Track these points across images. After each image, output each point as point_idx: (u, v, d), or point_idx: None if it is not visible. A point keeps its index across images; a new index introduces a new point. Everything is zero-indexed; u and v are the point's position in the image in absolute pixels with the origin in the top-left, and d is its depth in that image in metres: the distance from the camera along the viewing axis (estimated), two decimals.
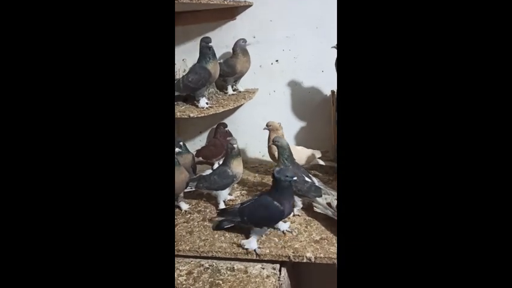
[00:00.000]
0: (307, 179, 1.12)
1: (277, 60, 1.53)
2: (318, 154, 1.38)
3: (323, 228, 1.04)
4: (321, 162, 1.37)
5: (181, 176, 1.12)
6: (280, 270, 0.95)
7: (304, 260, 0.94)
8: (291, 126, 1.57)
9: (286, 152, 1.14)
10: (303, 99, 1.55)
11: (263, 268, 0.96)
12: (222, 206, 1.20)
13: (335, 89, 1.46)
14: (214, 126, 1.53)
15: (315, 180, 1.17)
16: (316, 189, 1.11)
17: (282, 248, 0.97)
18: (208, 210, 1.22)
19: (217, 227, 1.08)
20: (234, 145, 1.15)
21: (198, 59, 1.24)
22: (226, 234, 1.06)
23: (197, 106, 1.24)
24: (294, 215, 1.12)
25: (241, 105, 1.46)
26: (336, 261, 0.91)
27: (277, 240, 1.02)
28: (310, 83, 1.53)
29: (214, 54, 1.23)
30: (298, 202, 1.14)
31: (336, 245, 0.95)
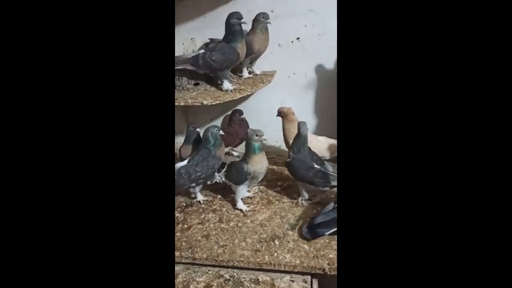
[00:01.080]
0: (316, 166, 1.01)
1: (298, 38, 1.35)
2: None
3: None
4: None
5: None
6: (311, 283, 0.83)
7: None
8: (312, 114, 1.41)
9: (301, 140, 1.06)
10: (327, 83, 1.38)
11: (292, 281, 0.84)
12: (239, 204, 1.07)
13: None
14: (228, 113, 1.37)
15: (331, 170, 1.04)
16: (324, 176, 0.99)
17: (314, 258, 0.85)
18: (225, 209, 1.09)
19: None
20: (255, 138, 0.99)
21: (225, 36, 1.08)
22: (248, 240, 0.93)
23: (220, 89, 1.11)
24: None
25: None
26: None
27: (307, 247, 0.89)
28: (335, 64, 1.35)
29: (243, 33, 1.08)
30: (304, 193, 1.06)
31: None
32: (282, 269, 0.84)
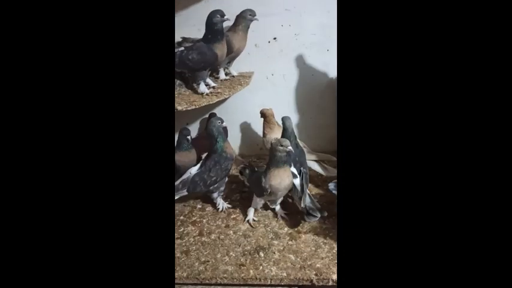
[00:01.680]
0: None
1: (275, 38, 1.31)
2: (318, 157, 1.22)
3: None
4: (317, 168, 1.19)
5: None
6: None
7: (330, 283, 0.78)
8: (292, 114, 1.38)
9: (287, 135, 1.04)
10: (305, 83, 1.35)
11: None
12: (250, 215, 0.99)
13: None
14: (205, 117, 1.31)
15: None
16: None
17: (301, 269, 0.81)
18: (205, 220, 1.03)
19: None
20: (281, 148, 0.86)
21: (205, 35, 1.01)
22: (231, 253, 0.88)
23: (196, 92, 1.04)
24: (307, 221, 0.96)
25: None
26: None
27: (293, 257, 0.85)
28: (314, 64, 1.33)
29: (223, 34, 1.01)
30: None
31: None
32: (269, 283, 0.80)
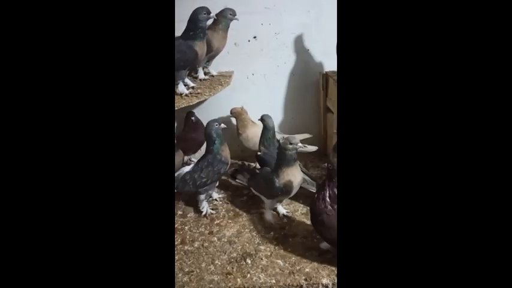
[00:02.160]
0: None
1: (255, 37, 1.28)
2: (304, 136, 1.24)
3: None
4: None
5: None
6: None
7: None
8: (273, 114, 1.35)
9: (270, 133, 1.06)
10: (286, 83, 1.34)
11: None
12: (268, 215, 0.96)
13: (324, 70, 1.27)
14: (184, 116, 1.25)
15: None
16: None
17: (290, 275, 0.79)
18: (187, 227, 0.98)
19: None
20: (290, 146, 0.85)
21: (185, 32, 0.95)
22: (217, 262, 0.84)
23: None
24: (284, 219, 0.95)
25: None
26: None
27: (281, 263, 0.82)
28: (294, 64, 1.31)
29: (205, 31, 0.97)
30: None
31: None
32: None
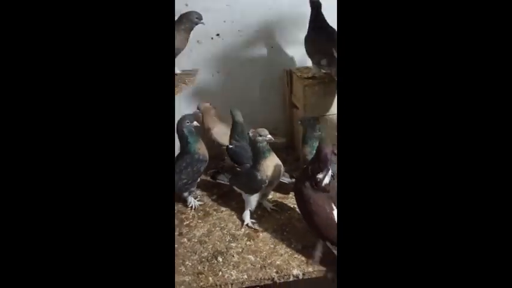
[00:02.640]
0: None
1: (218, 34, 1.27)
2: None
3: (302, 231, 0.90)
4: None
5: None
6: None
7: (291, 279, 0.78)
8: (241, 111, 1.36)
9: (239, 126, 1.06)
10: (252, 80, 1.34)
11: None
12: (247, 217, 0.94)
13: (288, 67, 1.30)
14: None
15: None
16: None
17: (261, 269, 0.79)
18: None
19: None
20: (260, 139, 0.86)
21: None
22: (187, 262, 0.83)
23: None
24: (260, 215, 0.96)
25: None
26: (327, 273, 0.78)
27: (253, 258, 0.83)
28: (259, 61, 1.32)
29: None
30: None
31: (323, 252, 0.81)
32: None
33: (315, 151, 0.98)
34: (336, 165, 0.87)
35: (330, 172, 0.79)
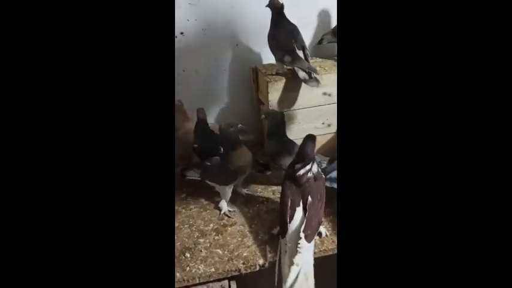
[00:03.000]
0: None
1: (182, 33, 1.27)
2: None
3: (269, 223, 0.93)
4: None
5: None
6: (229, 287, 0.80)
7: (257, 269, 0.81)
8: (208, 110, 1.37)
9: (201, 126, 1.08)
10: (219, 78, 1.35)
11: None
12: (224, 206, 0.96)
13: (254, 64, 1.32)
14: None
15: None
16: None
17: (229, 261, 0.81)
18: None
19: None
20: (231, 130, 0.89)
21: None
22: None
23: None
24: (231, 211, 0.98)
25: None
26: None
27: (220, 252, 0.85)
28: (224, 60, 1.34)
29: None
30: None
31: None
32: (197, 281, 0.78)
33: (279, 145, 1.02)
34: (320, 165, 0.92)
35: (308, 166, 0.81)
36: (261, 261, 0.81)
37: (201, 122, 1.11)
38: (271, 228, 0.90)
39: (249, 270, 0.80)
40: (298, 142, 1.14)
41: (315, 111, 1.15)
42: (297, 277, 0.73)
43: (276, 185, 1.08)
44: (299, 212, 0.80)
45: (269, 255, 0.82)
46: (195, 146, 1.11)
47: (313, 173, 0.82)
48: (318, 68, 1.16)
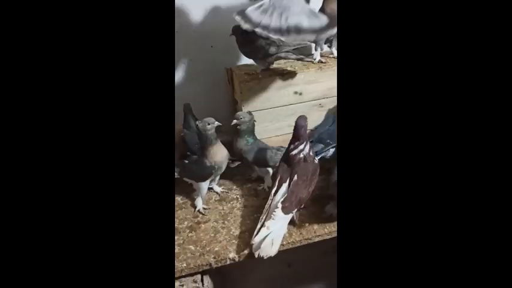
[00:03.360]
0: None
1: None
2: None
3: (241, 219, 0.96)
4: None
5: None
6: (202, 281, 0.83)
7: (228, 262, 0.84)
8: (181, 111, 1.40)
9: (188, 118, 1.14)
10: (195, 80, 1.38)
11: (182, 285, 0.81)
12: (199, 203, 1.00)
13: (229, 66, 1.35)
14: None
15: None
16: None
17: (200, 256, 0.84)
18: None
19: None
20: (209, 127, 0.93)
21: None
22: None
23: None
24: (206, 208, 1.01)
25: None
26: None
27: (193, 248, 0.88)
28: (199, 61, 1.36)
29: None
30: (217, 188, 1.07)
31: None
32: None
33: (249, 144, 1.06)
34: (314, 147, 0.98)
35: (301, 147, 0.87)
36: (231, 255, 0.84)
37: (186, 116, 1.18)
38: (243, 223, 0.94)
39: (219, 264, 0.83)
40: (273, 140, 1.18)
41: (287, 110, 1.19)
42: (264, 239, 0.80)
43: (250, 182, 1.12)
44: (284, 187, 0.86)
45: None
46: (182, 134, 1.17)
47: (303, 154, 0.88)
48: (288, 68, 1.20)
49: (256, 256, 0.80)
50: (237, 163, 1.12)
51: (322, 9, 1.12)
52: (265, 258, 0.79)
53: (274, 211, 0.81)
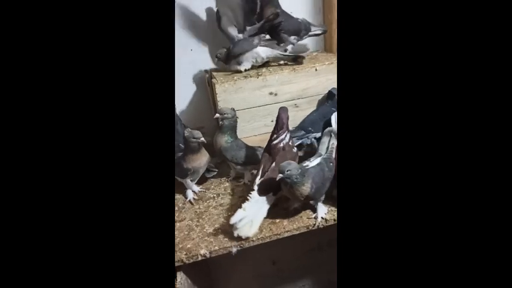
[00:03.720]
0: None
1: None
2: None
3: (216, 217, 0.99)
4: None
5: None
6: (175, 277, 0.86)
7: (199, 258, 0.87)
8: None
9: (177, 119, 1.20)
10: (176, 82, 1.40)
11: None
12: (188, 194, 1.09)
13: (208, 67, 1.38)
14: None
15: None
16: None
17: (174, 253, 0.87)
18: None
19: None
20: (193, 140, 1.02)
21: None
22: None
23: None
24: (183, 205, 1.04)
25: None
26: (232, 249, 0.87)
27: None
28: (180, 64, 1.39)
29: None
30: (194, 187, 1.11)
31: (229, 232, 0.91)
32: None
33: (229, 142, 1.09)
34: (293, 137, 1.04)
35: (282, 136, 0.94)
36: (202, 252, 0.87)
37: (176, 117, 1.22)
38: (217, 220, 0.97)
39: (191, 260, 0.86)
40: (251, 139, 1.21)
41: (263, 110, 1.22)
42: (241, 220, 0.85)
43: (228, 181, 1.15)
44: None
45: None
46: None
47: (283, 144, 0.95)
48: (263, 70, 1.23)
49: (235, 235, 0.85)
50: (213, 173, 1.18)
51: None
52: (243, 238, 0.85)
53: (250, 193, 0.89)
